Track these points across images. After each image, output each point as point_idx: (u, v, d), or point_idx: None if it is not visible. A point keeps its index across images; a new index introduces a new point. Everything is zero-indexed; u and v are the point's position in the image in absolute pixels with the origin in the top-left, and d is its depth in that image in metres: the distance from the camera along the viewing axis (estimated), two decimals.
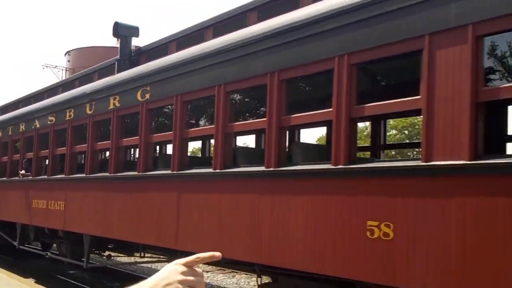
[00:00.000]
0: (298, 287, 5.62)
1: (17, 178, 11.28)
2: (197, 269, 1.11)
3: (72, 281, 10.42)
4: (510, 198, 3.65)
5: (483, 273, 3.71)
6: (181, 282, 1.07)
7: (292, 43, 5.15)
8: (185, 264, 1.10)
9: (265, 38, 5.46)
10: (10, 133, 12.02)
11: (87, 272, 10.37)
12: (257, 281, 6.01)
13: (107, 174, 8.21)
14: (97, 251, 9.51)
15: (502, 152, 5.60)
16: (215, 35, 7.25)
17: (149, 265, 10.87)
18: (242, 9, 7.20)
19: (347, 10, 4.63)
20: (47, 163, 10.72)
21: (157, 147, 10.77)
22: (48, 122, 10.12)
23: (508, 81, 5.04)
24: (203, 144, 10.89)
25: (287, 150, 5.91)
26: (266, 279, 6.45)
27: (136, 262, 9.32)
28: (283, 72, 5.26)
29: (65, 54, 31.23)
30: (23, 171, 10.91)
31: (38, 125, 10.59)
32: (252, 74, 5.64)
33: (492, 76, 4.71)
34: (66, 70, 30.03)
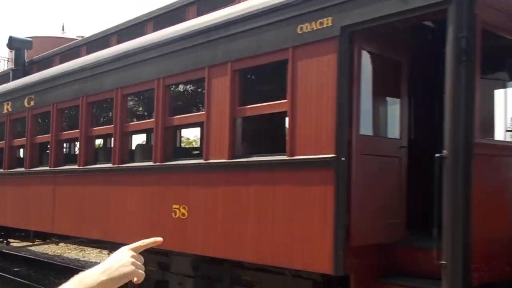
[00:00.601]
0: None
1: None
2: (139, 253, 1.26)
3: None
4: (252, 186, 5.22)
5: (232, 234, 5.28)
6: (132, 263, 1.20)
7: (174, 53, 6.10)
8: (133, 249, 1.25)
9: (153, 47, 6.34)
10: None
11: None
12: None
13: (2, 170, 9.37)
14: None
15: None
16: (89, 52, 8.56)
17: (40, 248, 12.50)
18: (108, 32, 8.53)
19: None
20: None
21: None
22: None
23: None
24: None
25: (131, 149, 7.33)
26: None
27: (28, 246, 10.58)
28: (167, 79, 6.22)
29: (7, 44, 31.61)
30: None
31: None
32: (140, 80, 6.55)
33: (245, 99, 5.98)
34: (8, 61, 27.12)
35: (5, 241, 10.65)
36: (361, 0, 4.37)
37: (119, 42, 7.99)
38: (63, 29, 30.53)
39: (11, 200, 9.15)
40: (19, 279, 10.47)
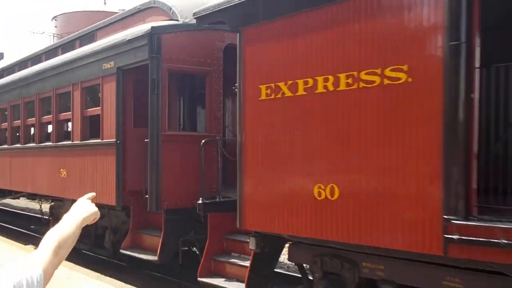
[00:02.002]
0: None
1: None
2: None
3: None
4: (88, 155, 8.80)
5: (84, 182, 8.96)
6: (93, 207, 1.59)
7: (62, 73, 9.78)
8: (89, 199, 1.66)
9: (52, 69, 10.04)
10: None
11: None
12: (39, 204, 11.36)
13: None
14: None
15: None
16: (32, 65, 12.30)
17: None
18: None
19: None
20: None
21: None
22: None
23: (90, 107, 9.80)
24: None
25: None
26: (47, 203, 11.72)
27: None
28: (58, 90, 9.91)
29: (52, 20, 28.94)
30: None
31: None
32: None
33: (87, 106, 9.49)
34: (54, 36, 28.28)
35: None
36: (120, 54, 7.80)
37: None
38: (104, 3, 31.47)
39: None
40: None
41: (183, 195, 7.30)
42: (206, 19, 6.08)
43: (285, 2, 5.13)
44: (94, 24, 10.03)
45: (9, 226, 14.43)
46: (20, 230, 13.69)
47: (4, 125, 12.46)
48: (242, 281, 6.04)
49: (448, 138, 3.87)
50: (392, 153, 4.23)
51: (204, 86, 7.82)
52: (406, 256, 4.36)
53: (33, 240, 11.19)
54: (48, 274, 1.31)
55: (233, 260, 6.43)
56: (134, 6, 8.74)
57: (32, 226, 14.14)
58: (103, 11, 24.22)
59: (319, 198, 4.79)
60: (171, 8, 7.75)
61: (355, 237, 4.54)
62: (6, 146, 12.23)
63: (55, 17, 27.74)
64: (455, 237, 3.79)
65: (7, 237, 12.13)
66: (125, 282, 8.16)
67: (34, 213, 15.58)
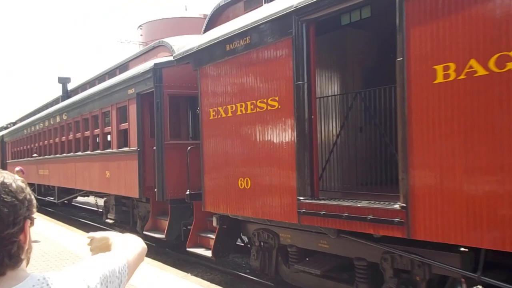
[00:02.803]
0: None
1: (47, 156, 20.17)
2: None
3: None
4: (118, 160, 11.49)
5: (113, 181, 11.66)
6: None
7: (105, 96, 12.80)
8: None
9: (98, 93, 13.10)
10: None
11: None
12: (95, 199, 14.32)
13: (61, 154, 16.69)
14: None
15: None
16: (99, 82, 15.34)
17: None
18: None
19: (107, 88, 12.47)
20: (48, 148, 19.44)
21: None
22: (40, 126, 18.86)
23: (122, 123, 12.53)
24: None
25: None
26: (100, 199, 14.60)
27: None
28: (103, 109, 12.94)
29: (138, 28, 31.80)
30: (35, 155, 19.75)
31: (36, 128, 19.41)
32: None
33: (119, 122, 12.26)
34: (139, 44, 30.55)
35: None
36: (137, 83, 10.34)
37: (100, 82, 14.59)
38: (185, 9, 33.34)
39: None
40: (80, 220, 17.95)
41: (180, 189, 9.64)
42: (180, 60, 8.42)
43: (217, 52, 7.31)
44: (128, 56, 12.75)
45: (80, 219, 17.75)
46: (83, 221, 16.98)
47: (70, 136, 15.61)
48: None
49: (298, 146, 5.88)
50: (272, 157, 6.30)
51: (193, 104, 10.15)
52: (286, 225, 6.42)
53: (93, 228, 14.16)
54: (130, 270, 1.42)
55: (209, 235, 8.68)
56: (149, 45, 11.30)
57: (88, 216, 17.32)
58: (185, 17, 26.37)
59: (241, 188, 6.94)
60: (171, 47, 10.17)
61: (260, 213, 6.64)
62: (72, 153, 15.36)
63: (140, 25, 31.29)
64: (302, 211, 5.80)
65: (73, 226, 15.27)
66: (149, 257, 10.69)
67: (91, 207, 18.90)
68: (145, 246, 1.59)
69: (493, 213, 3.88)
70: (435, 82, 4.27)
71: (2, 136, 28.06)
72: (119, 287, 1.31)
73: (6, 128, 29.67)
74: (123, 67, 12.93)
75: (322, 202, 5.64)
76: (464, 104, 4.05)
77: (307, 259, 6.66)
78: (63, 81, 17.70)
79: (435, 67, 4.26)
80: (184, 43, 9.32)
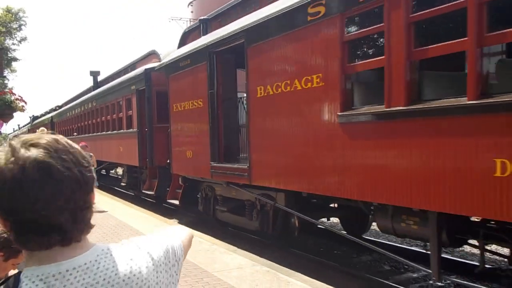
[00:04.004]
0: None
1: None
2: None
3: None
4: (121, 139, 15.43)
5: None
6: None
7: (117, 90, 16.84)
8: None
9: (113, 87, 17.21)
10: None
11: None
12: (115, 170, 18.36)
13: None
14: None
15: None
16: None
17: None
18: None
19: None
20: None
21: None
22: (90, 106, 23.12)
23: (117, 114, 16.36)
24: None
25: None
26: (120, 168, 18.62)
27: None
28: (117, 99, 17.00)
29: (188, 6, 31.82)
30: (75, 133, 24.08)
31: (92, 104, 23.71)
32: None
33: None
34: (190, 21, 29.01)
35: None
36: (136, 82, 14.12)
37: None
38: None
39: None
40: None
41: (164, 158, 13.43)
42: (158, 70, 12.12)
43: (176, 67, 10.93)
44: (135, 59, 16.57)
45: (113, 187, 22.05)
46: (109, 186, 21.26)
47: (98, 119, 19.71)
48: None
49: (211, 132, 9.46)
50: (199, 138, 9.92)
51: None
52: (219, 182, 10.10)
53: (118, 193, 18.24)
54: (185, 251, 1.42)
55: (178, 190, 12.45)
56: (144, 54, 15.08)
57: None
58: None
59: (188, 157, 10.63)
60: (159, 55, 13.87)
61: (196, 173, 10.31)
62: (99, 133, 19.47)
63: (190, 3, 31.02)
64: (212, 170, 9.43)
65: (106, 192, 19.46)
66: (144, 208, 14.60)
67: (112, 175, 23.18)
68: (192, 234, 1.58)
69: (283, 172, 7.38)
70: (257, 96, 7.76)
71: (52, 117, 32.88)
72: (177, 264, 1.31)
73: (55, 110, 34.55)
74: (132, 66, 16.80)
75: (219, 164, 9.26)
76: (265, 110, 7.54)
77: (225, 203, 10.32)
78: (94, 74, 21.82)
79: (256, 87, 7.75)
80: (166, 53, 12.98)
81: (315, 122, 6.40)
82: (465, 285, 5.41)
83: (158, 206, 15.08)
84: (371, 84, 6.55)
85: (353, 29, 5.91)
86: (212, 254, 7.86)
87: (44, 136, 1.09)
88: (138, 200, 16.20)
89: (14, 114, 16.27)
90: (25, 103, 15.57)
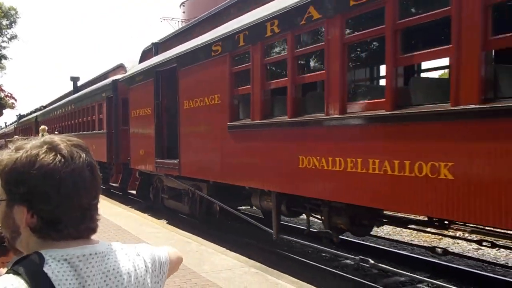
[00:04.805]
0: None
1: None
2: None
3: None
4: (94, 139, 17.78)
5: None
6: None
7: (91, 96, 19.15)
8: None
9: (87, 93, 19.49)
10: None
11: None
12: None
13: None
14: None
15: None
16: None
17: None
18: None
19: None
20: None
21: None
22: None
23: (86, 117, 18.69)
24: None
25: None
26: None
27: None
28: (91, 104, 19.32)
29: (180, 6, 32.16)
30: (56, 132, 26.29)
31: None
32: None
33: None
34: (182, 21, 30.20)
35: None
36: (106, 90, 16.48)
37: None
38: None
39: None
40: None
41: (126, 156, 15.77)
42: (121, 82, 14.49)
43: (133, 80, 13.30)
44: (106, 70, 18.93)
45: None
46: None
47: (76, 120, 21.97)
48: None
49: (156, 134, 11.86)
50: (148, 139, 12.32)
51: None
52: (157, 174, 12.51)
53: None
54: (172, 266, 1.45)
55: (136, 182, 14.80)
56: (116, 64, 17.46)
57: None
58: None
59: (140, 154, 13.01)
60: (126, 67, 16.25)
61: (146, 168, 12.71)
62: (77, 132, 21.73)
63: (182, 3, 31.11)
64: (156, 165, 11.83)
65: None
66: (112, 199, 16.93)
67: None
68: (181, 257, 1.58)
69: (200, 165, 9.79)
70: (184, 107, 10.18)
71: (37, 116, 35.05)
72: (160, 276, 1.36)
73: (39, 110, 36.72)
74: (105, 76, 19.17)
75: (161, 160, 11.66)
76: (190, 118, 9.97)
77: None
78: (74, 79, 24.14)
79: (184, 101, 10.17)
80: (131, 67, 15.37)
81: (216, 128, 8.83)
82: (296, 241, 7.84)
83: (123, 196, 17.43)
84: (248, 103, 9.01)
85: (236, 64, 8.33)
86: (201, 255, 7.86)
87: (73, 138, 1.23)
88: (107, 192, 18.53)
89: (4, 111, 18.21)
90: (15, 100, 17.70)
